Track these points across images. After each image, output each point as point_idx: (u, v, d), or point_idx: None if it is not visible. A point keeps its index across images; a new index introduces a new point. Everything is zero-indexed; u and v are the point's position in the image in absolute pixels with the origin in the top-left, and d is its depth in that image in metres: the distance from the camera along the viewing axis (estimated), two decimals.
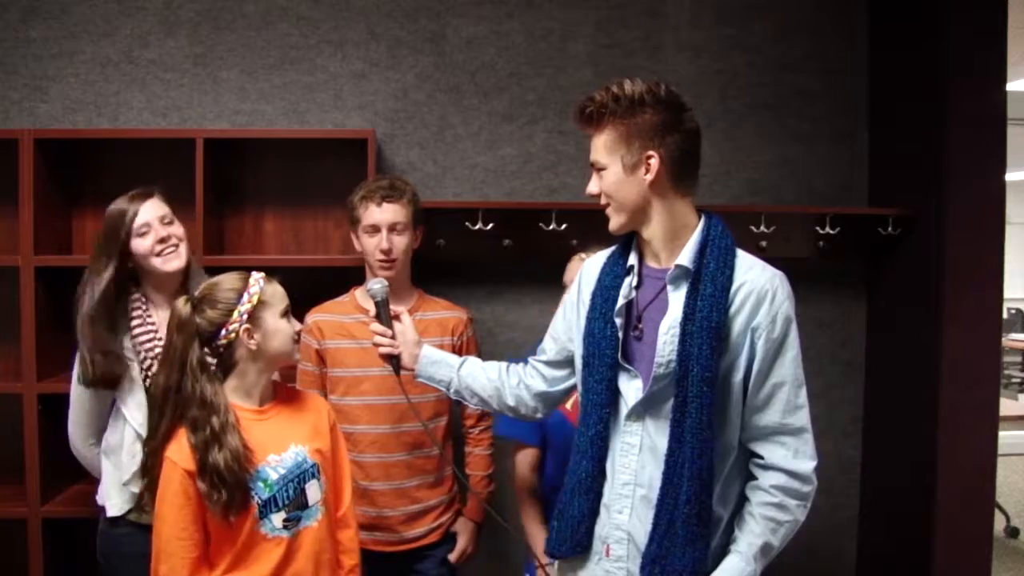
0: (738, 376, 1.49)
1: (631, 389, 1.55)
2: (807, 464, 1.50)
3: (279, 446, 1.71)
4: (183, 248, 2.02)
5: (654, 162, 1.49)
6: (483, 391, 1.78)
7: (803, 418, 1.51)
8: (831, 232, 2.67)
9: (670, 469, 1.47)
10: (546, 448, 2.14)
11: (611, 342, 1.55)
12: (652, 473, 1.51)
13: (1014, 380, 7.85)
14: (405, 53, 2.76)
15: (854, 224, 2.70)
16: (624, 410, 1.56)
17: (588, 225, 2.66)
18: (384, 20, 2.75)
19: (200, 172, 2.41)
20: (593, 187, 1.57)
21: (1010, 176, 2.62)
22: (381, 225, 2.13)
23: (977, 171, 2.50)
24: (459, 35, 2.77)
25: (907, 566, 2.63)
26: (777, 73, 2.84)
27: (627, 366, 1.55)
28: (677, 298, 1.50)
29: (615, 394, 1.57)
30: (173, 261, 1.99)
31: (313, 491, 1.73)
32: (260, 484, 1.66)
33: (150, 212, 1.99)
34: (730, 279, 1.48)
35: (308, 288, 2.28)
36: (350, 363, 2.15)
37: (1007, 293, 2.69)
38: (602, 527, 1.57)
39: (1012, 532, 4.36)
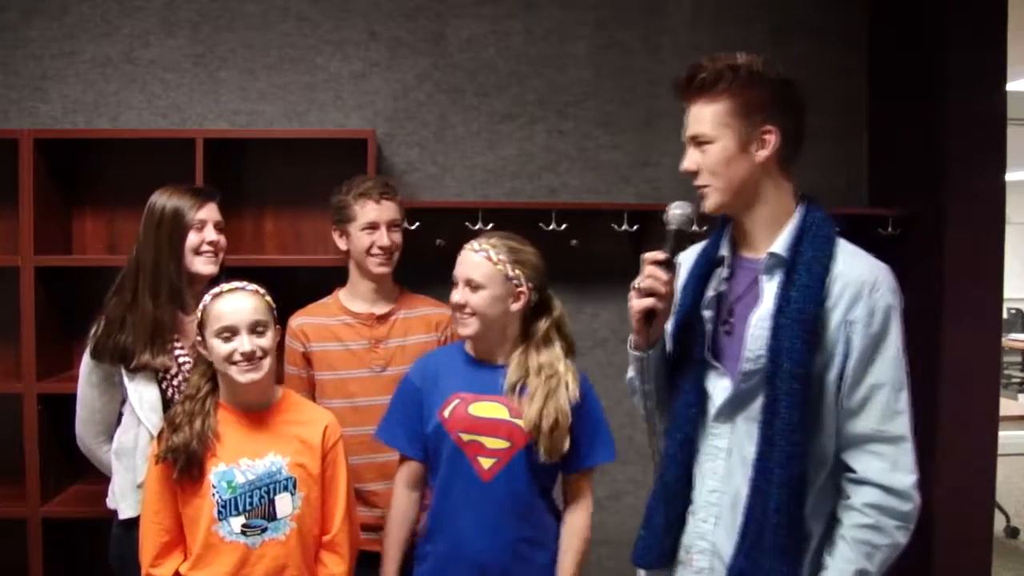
0: (832, 374, 1.36)
1: (718, 388, 1.45)
2: (906, 478, 1.33)
3: (256, 452, 1.68)
4: (220, 258, 2.06)
5: (772, 138, 1.39)
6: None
7: (902, 425, 1.35)
8: None
9: (759, 475, 1.36)
10: (430, 465, 1.84)
11: (699, 337, 1.45)
12: (740, 479, 1.40)
13: (1014, 380, 7.83)
14: (405, 53, 2.76)
15: (854, 224, 2.68)
16: (711, 411, 1.46)
17: (588, 225, 2.68)
18: (384, 20, 2.75)
19: (200, 172, 2.41)
20: (690, 163, 1.41)
21: (1010, 176, 2.62)
22: (380, 222, 2.12)
23: (977, 171, 2.50)
24: (459, 35, 2.77)
25: (907, 566, 2.62)
26: None
27: (715, 363, 1.46)
28: (770, 289, 1.40)
29: (703, 394, 1.47)
30: (209, 265, 2.02)
31: (284, 504, 1.67)
32: (224, 484, 1.64)
33: (211, 213, 2.05)
34: (827, 268, 1.37)
35: (308, 288, 2.29)
36: (336, 366, 2.13)
37: (1007, 293, 2.70)
38: (687, 536, 1.48)
39: (1012, 532, 4.36)
